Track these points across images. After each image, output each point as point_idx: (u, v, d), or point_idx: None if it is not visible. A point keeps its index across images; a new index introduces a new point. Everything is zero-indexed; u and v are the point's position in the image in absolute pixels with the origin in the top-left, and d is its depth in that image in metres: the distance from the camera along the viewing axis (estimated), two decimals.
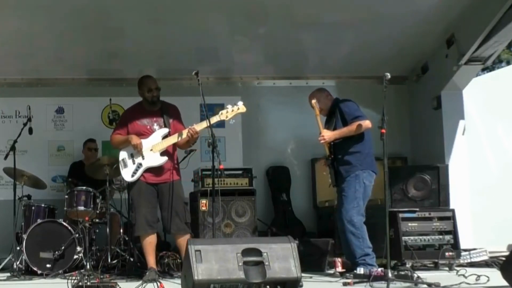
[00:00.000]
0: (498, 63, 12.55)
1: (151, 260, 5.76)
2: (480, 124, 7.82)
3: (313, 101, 5.85)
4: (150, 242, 5.78)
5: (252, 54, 7.76)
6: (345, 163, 5.79)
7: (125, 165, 5.85)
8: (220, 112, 5.68)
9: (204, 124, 5.57)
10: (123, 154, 5.88)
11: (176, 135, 5.74)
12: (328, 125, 5.92)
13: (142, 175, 5.78)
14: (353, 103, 5.91)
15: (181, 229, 5.76)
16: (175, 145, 5.89)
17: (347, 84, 8.20)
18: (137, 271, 6.17)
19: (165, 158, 5.75)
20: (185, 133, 5.69)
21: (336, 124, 5.85)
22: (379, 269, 5.22)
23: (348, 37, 7.40)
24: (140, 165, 5.78)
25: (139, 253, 6.51)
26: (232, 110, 5.65)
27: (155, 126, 5.85)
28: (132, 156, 5.83)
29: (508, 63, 14.56)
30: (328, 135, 5.78)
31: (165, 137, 5.79)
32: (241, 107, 5.67)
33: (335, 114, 5.89)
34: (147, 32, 7.11)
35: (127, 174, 5.83)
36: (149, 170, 5.78)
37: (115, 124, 7.27)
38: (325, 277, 5.88)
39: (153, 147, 5.76)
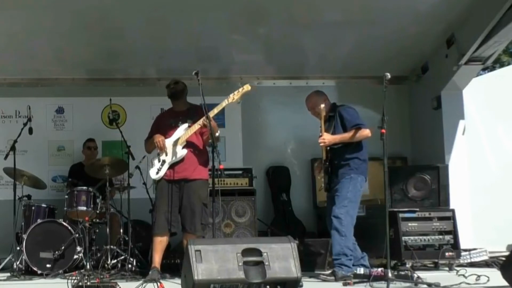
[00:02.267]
0: (499, 66, 12.49)
1: (157, 259, 5.76)
2: (480, 124, 7.82)
3: (322, 106, 5.78)
4: (161, 241, 5.79)
5: (252, 54, 7.75)
6: (342, 166, 5.76)
7: (152, 165, 5.91)
8: (227, 97, 5.67)
9: (215, 110, 5.62)
10: (152, 156, 5.96)
11: (194, 125, 5.74)
12: (326, 129, 5.87)
13: (166, 173, 5.80)
14: (354, 110, 5.89)
15: (197, 229, 5.75)
16: (202, 141, 5.88)
17: (347, 84, 8.19)
18: (137, 271, 6.18)
19: (185, 151, 5.76)
20: (200, 122, 5.68)
21: (336, 129, 5.82)
22: (379, 269, 5.23)
23: (348, 37, 7.40)
24: (163, 162, 5.82)
25: (139, 253, 6.53)
26: (238, 92, 5.63)
27: (180, 125, 5.88)
28: (158, 155, 5.89)
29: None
30: (328, 138, 5.76)
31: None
32: (245, 86, 5.63)
33: (334, 119, 5.86)
34: (147, 32, 7.11)
35: (153, 172, 5.87)
36: (174, 166, 5.79)
37: (115, 124, 7.29)
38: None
39: (175, 142, 5.79)
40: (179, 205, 5.80)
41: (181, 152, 5.77)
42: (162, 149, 5.80)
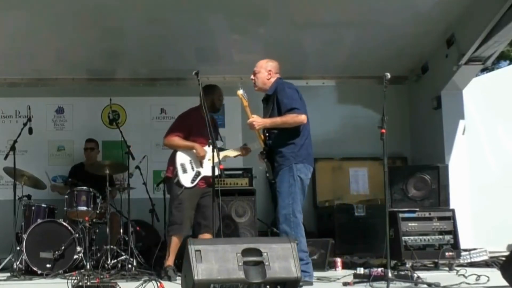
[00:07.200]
0: (497, 63, 12.52)
1: (172, 258, 5.91)
2: (480, 124, 7.82)
3: (239, 92, 5.34)
4: (177, 242, 5.91)
5: (252, 54, 7.74)
6: (278, 154, 5.42)
7: (185, 171, 5.93)
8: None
9: (256, 146, 5.71)
10: (183, 159, 5.96)
11: (232, 151, 5.97)
12: (265, 110, 5.54)
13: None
14: (293, 91, 5.45)
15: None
16: None
17: (347, 84, 8.20)
18: (137, 271, 6.18)
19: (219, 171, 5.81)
20: (237, 151, 5.98)
21: (273, 112, 5.44)
22: (379, 269, 5.22)
23: (348, 37, 7.41)
24: (198, 173, 5.93)
25: (139, 253, 6.52)
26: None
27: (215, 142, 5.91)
28: (191, 162, 5.94)
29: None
30: (258, 120, 5.40)
31: (220, 149, 5.73)
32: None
33: (273, 99, 5.45)
34: (147, 32, 7.11)
35: (187, 180, 5.92)
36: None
37: (115, 124, 7.27)
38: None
39: (210, 157, 5.71)
40: (195, 207, 5.95)
41: (217, 172, 5.64)
42: (200, 162, 5.91)
